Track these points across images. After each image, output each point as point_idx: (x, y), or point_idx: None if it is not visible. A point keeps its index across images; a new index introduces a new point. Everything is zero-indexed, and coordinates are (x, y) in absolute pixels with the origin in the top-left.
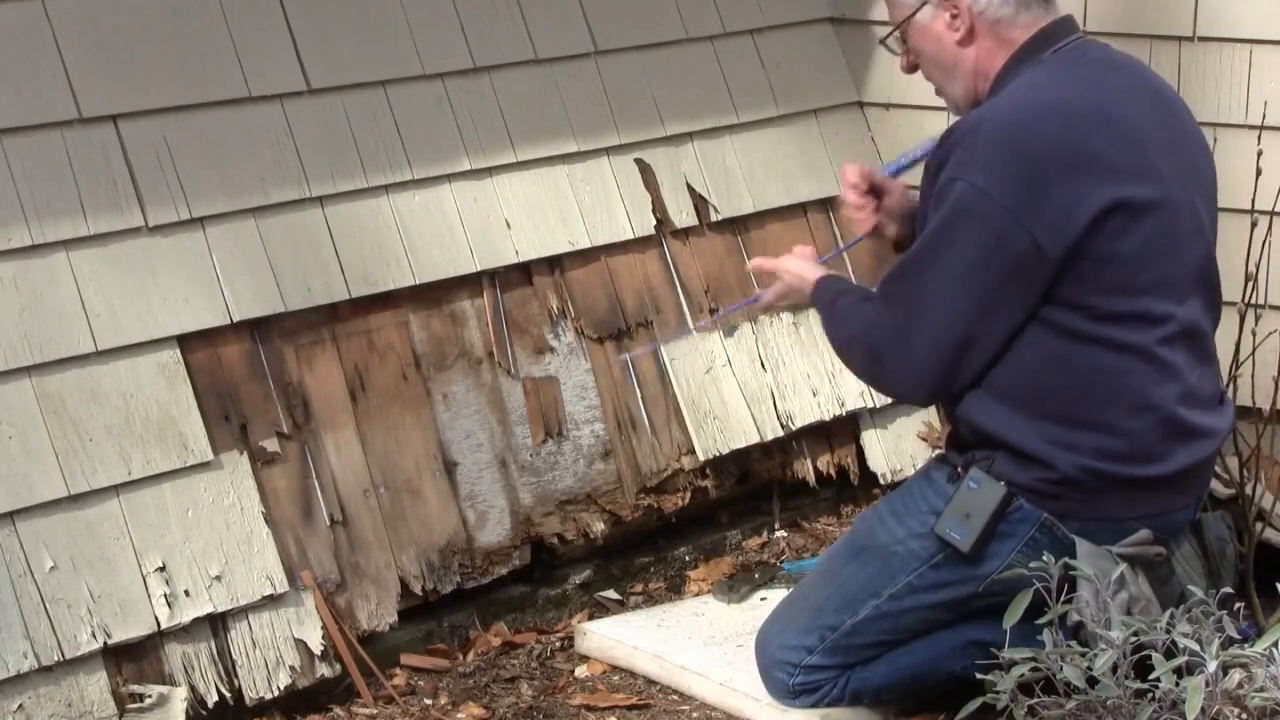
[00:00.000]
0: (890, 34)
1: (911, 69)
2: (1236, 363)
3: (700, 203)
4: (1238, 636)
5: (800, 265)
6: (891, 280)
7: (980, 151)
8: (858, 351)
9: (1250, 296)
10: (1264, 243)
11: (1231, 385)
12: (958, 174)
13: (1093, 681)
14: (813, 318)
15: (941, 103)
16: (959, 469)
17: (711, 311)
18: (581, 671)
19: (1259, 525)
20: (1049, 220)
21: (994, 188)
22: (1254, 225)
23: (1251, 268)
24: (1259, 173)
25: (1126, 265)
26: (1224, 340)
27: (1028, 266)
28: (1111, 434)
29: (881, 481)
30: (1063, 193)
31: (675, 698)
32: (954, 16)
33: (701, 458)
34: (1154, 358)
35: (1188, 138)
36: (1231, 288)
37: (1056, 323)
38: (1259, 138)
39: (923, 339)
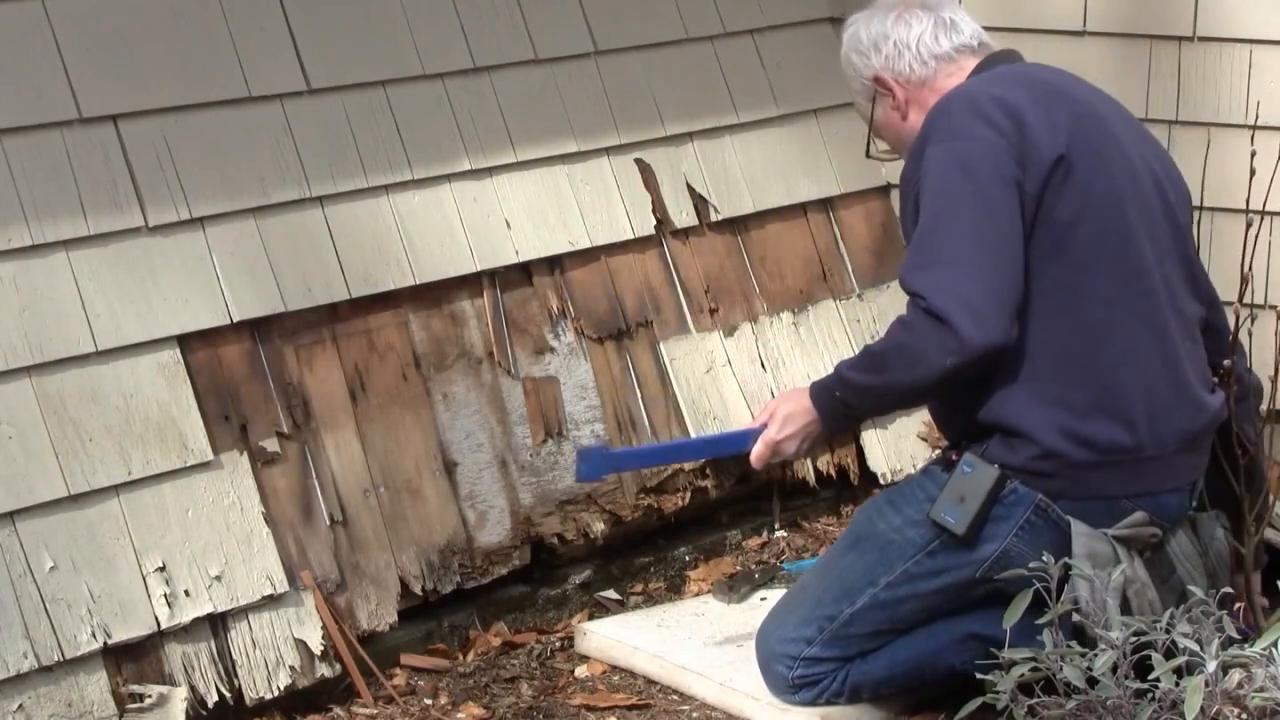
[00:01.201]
0: (870, 146)
1: None
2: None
3: (700, 203)
4: (1237, 636)
5: (784, 396)
6: (913, 254)
7: (950, 118)
8: (912, 345)
9: (1245, 296)
10: (1265, 242)
11: None
12: (941, 139)
13: (1093, 681)
14: (813, 317)
15: None
16: (954, 457)
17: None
18: (581, 671)
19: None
20: (1025, 155)
21: (972, 132)
22: (1249, 225)
23: (1247, 268)
24: (1253, 173)
25: (1096, 201)
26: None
27: (1019, 196)
28: (1099, 390)
29: (881, 481)
30: (1034, 136)
31: (675, 698)
32: (893, 97)
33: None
34: (1138, 313)
35: (1143, 133)
36: (1231, 288)
37: (1039, 279)
38: (1252, 137)
39: (976, 283)
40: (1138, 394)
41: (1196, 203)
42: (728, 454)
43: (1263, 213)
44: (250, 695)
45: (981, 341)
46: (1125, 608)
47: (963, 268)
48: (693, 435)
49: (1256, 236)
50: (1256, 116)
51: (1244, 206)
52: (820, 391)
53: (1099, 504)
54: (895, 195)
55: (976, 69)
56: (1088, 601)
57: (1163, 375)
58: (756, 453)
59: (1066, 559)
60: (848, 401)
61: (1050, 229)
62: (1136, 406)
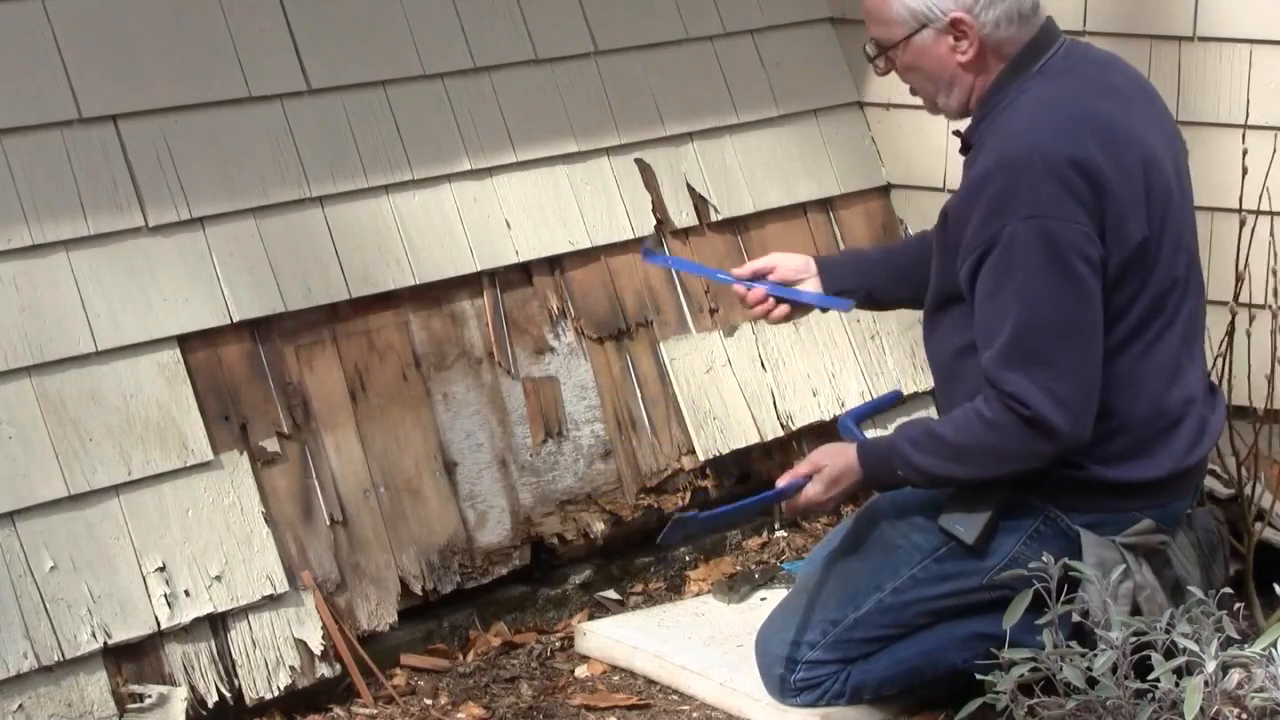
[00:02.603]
0: (882, 53)
1: (887, 73)
2: (1231, 361)
3: (700, 203)
4: (1237, 637)
5: (830, 452)
6: (1008, 349)
7: (1033, 186)
8: (1001, 449)
9: (1240, 294)
10: (1257, 241)
11: (1227, 384)
12: (1027, 213)
13: (1093, 682)
14: (813, 318)
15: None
16: None
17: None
18: (581, 671)
19: (1259, 525)
20: (1108, 232)
21: (1060, 209)
22: (1242, 224)
23: (1243, 268)
24: (1245, 171)
25: (1158, 272)
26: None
27: (1102, 279)
28: (1129, 440)
29: None
30: (1116, 213)
31: (675, 698)
32: (958, 39)
33: (701, 458)
34: (1166, 363)
35: (1170, 126)
36: (1227, 287)
37: None
38: (1243, 136)
39: (1074, 384)
40: (1162, 439)
41: (1197, 203)
42: (773, 504)
43: (1256, 211)
44: (250, 695)
45: (1077, 445)
46: (1136, 614)
47: (1060, 368)
48: (692, 434)
49: (1252, 233)
50: (1248, 113)
51: (1249, 207)
52: (874, 461)
53: (1109, 515)
54: (896, 195)
55: (1030, 50)
56: (1096, 606)
57: (1184, 413)
58: (793, 506)
59: (1066, 560)
60: (908, 478)
61: (1109, 309)
62: (1162, 449)
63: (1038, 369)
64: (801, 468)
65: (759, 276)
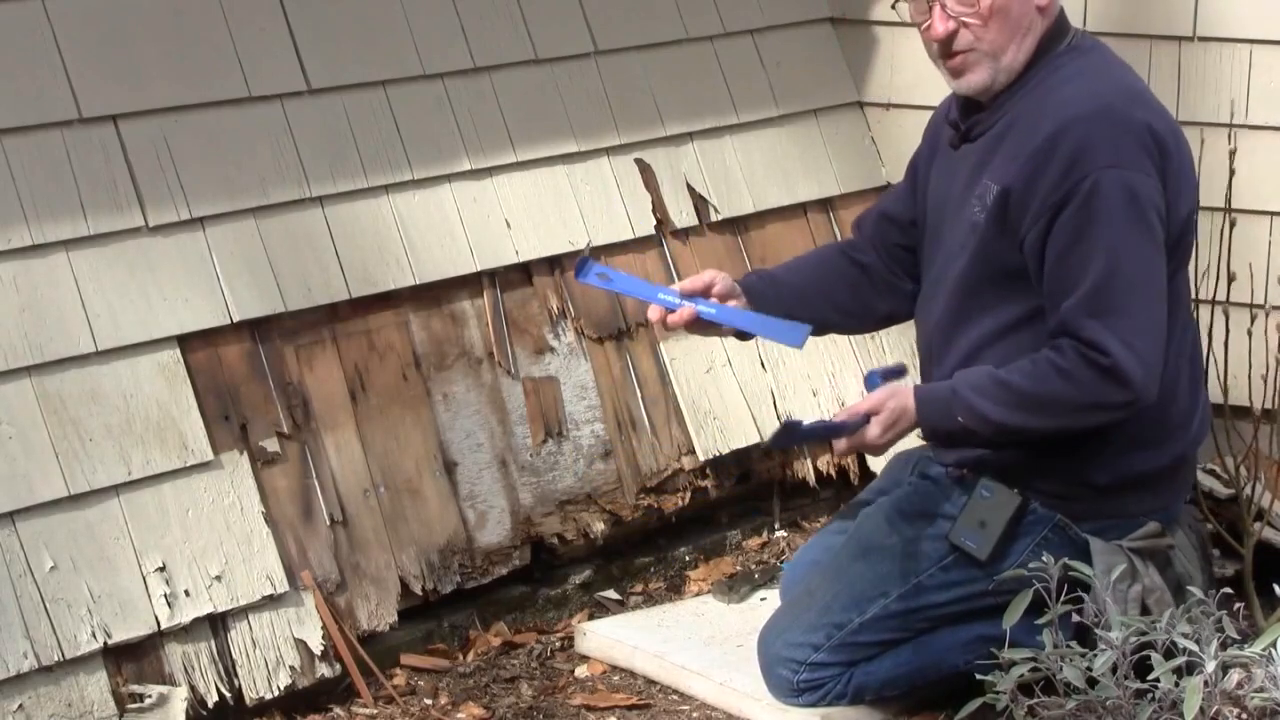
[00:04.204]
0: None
1: (947, 35)
2: (1228, 361)
3: (700, 203)
4: (1237, 637)
5: (889, 392)
6: (1094, 298)
7: (1115, 140)
8: (1074, 400)
9: (1218, 293)
10: (1258, 241)
11: (1224, 384)
12: (1108, 162)
13: (1093, 682)
14: None
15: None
16: (966, 473)
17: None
18: (581, 671)
19: (1258, 525)
20: (1170, 201)
21: (1140, 164)
22: (1233, 225)
23: (1236, 267)
24: (1232, 172)
25: (1188, 259)
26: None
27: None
28: (1145, 424)
29: None
30: (1174, 185)
31: (675, 698)
32: None
33: (701, 458)
34: (1186, 345)
35: None
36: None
37: None
38: (1230, 136)
39: (1149, 339)
40: (1177, 428)
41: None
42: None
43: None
44: (250, 695)
45: (1144, 402)
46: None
47: (1138, 321)
48: (692, 434)
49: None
50: (1247, 112)
51: (1252, 207)
52: (931, 405)
53: (1116, 521)
54: None
55: (1061, 22)
56: (1100, 607)
57: (1195, 401)
58: (850, 444)
59: (1067, 560)
60: (971, 425)
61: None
62: (1173, 436)
63: (1117, 319)
64: (861, 405)
65: (704, 292)
